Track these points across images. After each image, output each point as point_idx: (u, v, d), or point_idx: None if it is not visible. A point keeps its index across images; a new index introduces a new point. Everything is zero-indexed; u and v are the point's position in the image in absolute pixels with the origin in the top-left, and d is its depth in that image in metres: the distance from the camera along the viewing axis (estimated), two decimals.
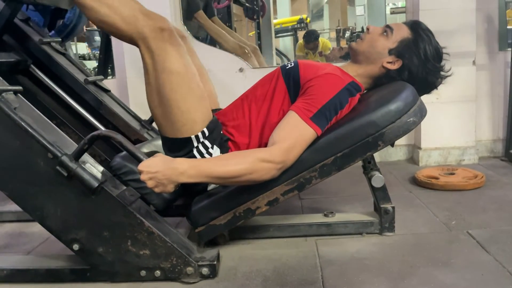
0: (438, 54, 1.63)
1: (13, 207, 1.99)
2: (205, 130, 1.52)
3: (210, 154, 1.53)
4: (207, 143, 1.53)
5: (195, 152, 1.53)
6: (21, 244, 1.84)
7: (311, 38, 6.44)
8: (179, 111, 1.48)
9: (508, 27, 2.92)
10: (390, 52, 1.61)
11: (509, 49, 2.80)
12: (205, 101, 1.54)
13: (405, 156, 2.96)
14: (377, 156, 2.75)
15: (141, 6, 1.47)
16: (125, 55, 2.78)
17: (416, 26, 1.64)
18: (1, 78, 1.45)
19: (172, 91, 1.45)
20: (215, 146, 1.55)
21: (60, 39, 2.16)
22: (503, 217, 1.81)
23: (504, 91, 2.85)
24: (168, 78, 1.44)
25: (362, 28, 6.97)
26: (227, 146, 1.58)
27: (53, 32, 2.33)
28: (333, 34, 8.80)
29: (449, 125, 2.74)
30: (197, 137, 1.51)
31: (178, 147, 1.53)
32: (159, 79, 1.46)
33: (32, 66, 2.05)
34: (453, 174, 2.36)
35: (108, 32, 1.51)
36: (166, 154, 1.58)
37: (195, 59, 1.81)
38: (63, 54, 2.11)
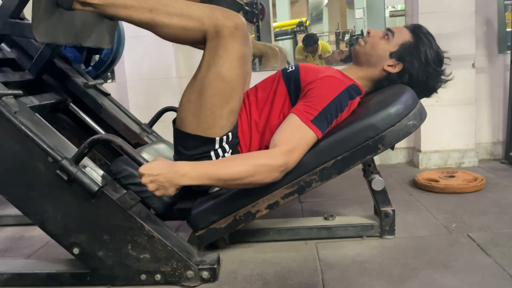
0: (439, 58, 1.63)
1: (13, 211, 2.00)
2: (230, 134, 1.53)
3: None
4: (226, 147, 1.54)
5: (212, 153, 1.53)
6: (21, 248, 1.84)
7: (310, 41, 6.43)
8: (212, 115, 1.48)
9: (507, 29, 2.93)
10: (391, 55, 1.62)
11: (509, 51, 2.81)
12: (237, 114, 1.55)
13: (405, 159, 2.96)
14: (377, 159, 2.76)
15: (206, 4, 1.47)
16: (125, 58, 2.78)
17: (417, 30, 1.65)
18: (1, 83, 1.46)
19: (214, 95, 1.45)
20: (231, 150, 1.55)
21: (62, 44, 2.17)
22: (503, 219, 1.81)
23: (503, 93, 2.86)
24: (216, 83, 1.44)
25: (362, 31, 6.97)
26: (238, 149, 1.59)
27: (90, 67, 2.36)
28: (333, 37, 8.79)
29: (449, 128, 2.74)
30: (221, 139, 1.52)
31: (198, 145, 1.53)
32: (207, 79, 1.45)
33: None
34: (453, 177, 2.37)
35: (182, 42, 1.50)
36: (178, 151, 1.57)
37: (249, 62, 1.80)
38: (63, 58, 2.11)
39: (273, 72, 1.71)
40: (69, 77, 2.02)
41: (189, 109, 1.51)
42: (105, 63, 2.37)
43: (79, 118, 2.06)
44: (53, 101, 1.89)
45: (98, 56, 2.36)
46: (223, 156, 1.54)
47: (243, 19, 1.45)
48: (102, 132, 2.08)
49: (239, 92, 1.49)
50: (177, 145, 1.60)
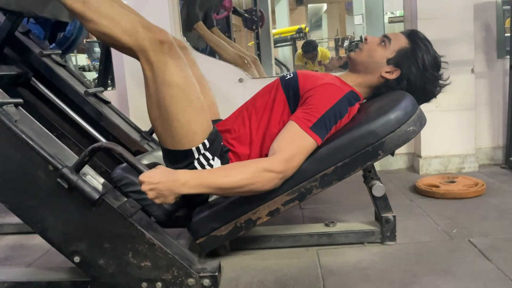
0: (436, 63, 1.64)
1: (14, 219, 2.00)
2: (206, 141, 1.52)
3: (211, 166, 1.53)
4: (208, 154, 1.53)
5: (196, 163, 1.53)
6: (22, 256, 1.84)
7: (310, 48, 6.48)
8: (179, 124, 1.48)
9: (506, 34, 2.94)
10: (388, 61, 1.62)
11: (508, 56, 2.81)
12: (205, 113, 1.54)
13: (406, 165, 2.96)
14: (378, 165, 2.75)
15: (141, 19, 1.47)
16: (125, 66, 2.79)
17: (413, 36, 1.65)
18: (1, 91, 1.46)
19: (172, 103, 1.45)
20: (215, 158, 1.55)
21: (60, 51, 2.18)
22: (504, 225, 1.81)
23: (503, 98, 2.86)
24: (168, 91, 1.44)
25: (361, 37, 7.00)
26: (228, 157, 1.59)
27: (53, 44, 2.35)
28: (332, 44, 8.85)
29: (449, 133, 2.74)
30: (198, 149, 1.51)
31: (179, 158, 1.53)
32: (159, 91, 1.46)
33: (33, 78, 2.06)
34: (454, 182, 2.36)
35: (108, 45, 1.50)
36: (167, 165, 1.58)
37: (196, 70, 1.81)
38: (63, 66, 2.12)
39: (272, 80, 1.72)
40: (30, 50, 1.99)
41: (160, 126, 1.52)
42: (69, 40, 2.36)
43: (40, 93, 2.04)
44: (13, 73, 1.86)
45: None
46: (209, 164, 1.54)
47: (169, 34, 1.45)
48: (102, 139, 2.09)
49: (194, 91, 1.49)
50: (165, 159, 1.61)
